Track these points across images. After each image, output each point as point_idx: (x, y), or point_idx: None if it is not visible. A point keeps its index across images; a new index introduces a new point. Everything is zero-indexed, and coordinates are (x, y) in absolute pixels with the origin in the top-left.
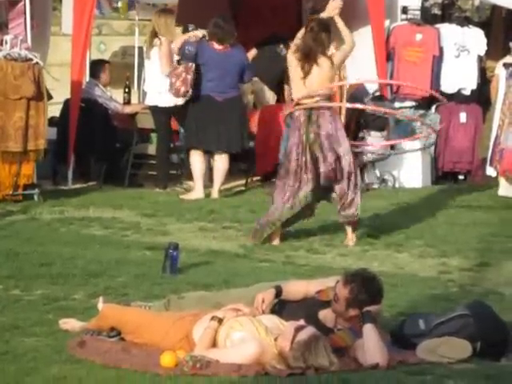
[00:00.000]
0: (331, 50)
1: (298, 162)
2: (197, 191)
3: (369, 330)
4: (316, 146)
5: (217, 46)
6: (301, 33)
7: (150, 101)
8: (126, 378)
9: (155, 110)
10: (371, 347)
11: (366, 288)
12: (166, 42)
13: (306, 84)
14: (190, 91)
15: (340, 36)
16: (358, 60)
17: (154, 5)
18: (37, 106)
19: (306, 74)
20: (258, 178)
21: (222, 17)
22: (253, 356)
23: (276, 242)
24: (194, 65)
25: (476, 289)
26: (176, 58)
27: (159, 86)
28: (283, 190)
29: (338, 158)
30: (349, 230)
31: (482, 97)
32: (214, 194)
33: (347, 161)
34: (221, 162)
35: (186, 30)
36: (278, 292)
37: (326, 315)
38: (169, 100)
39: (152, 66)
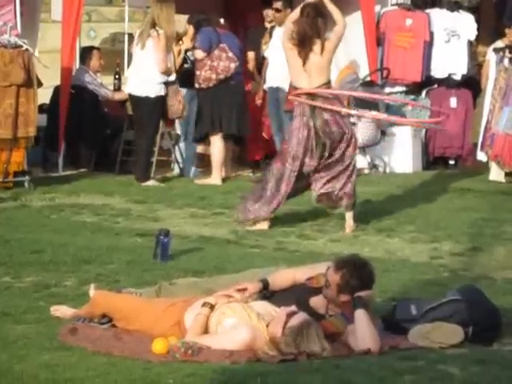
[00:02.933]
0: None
1: (302, 147)
2: (215, 177)
3: (360, 315)
4: (324, 133)
5: (218, 29)
6: (291, 17)
7: (134, 90)
8: (117, 364)
9: (141, 100)
10: (363, 332)
11: (357, 274)
12: (164, 37)
13: (306, 70)
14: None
15: (331, 18)
16: (349, 45)
17: None
18: (27, 92)
19: (304, 60)
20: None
21: (203, 15)
22: (244, 342)
23: (265, 225)
24: (225, 44)
25: (467, 274)
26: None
27: (144, 76)
28: (287, 178)
29: (345, 145)
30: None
31: (472, 82)
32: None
33: (351, 149)
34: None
35: (193, 18)
36: (265, 285)
37: (317, 302)
38: (152, 90)
39: (144, 55)
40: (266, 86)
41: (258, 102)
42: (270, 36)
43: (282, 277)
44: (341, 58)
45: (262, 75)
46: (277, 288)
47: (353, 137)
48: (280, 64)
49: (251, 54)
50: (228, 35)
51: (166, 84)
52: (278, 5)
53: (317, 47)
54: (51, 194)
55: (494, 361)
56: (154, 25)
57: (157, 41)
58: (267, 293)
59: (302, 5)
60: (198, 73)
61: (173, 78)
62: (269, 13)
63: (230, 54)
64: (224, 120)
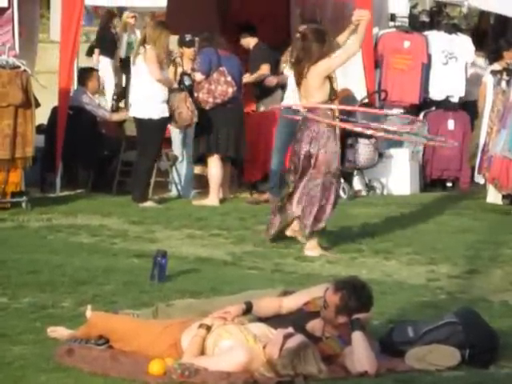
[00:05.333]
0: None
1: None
2: (213, 198)
3: (358, 337)
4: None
5: (220, 52)
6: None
7: (137, 112)
8: None
9: (144, 122)
10: (360, 355)
11: (356, 295)
12: (152, 49)
13: (301, 92)
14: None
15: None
16: (347, 68)
17: (141, 13)
18: (24, 113)
19: (298, 83)
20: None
21: (209, 32)
22: (241, 364)
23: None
24: (225, 68)
25: (464, 296)
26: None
27: (145, 97)
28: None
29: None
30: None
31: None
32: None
33: (314, 172)
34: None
35: (182, 40)
36: (248, 308)
37: (313, 326)
38: (155, 111)
39: (138, 75)
40: (282, 104)
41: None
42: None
43: (268, 303)
44: (338, 80)
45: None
46: (261, 314)
47: (317, 159)
48: None
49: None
50: (229, 58)
51: (173, 91)
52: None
53: (306, 71)
54: (48, 215)
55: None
56: (141, 44)
57: (144, 55)
58: (251, 316)
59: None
60: (195, 94)
61: (169, 83)
62: (245, 42)
63: (229, 79)
64: (221, 142)
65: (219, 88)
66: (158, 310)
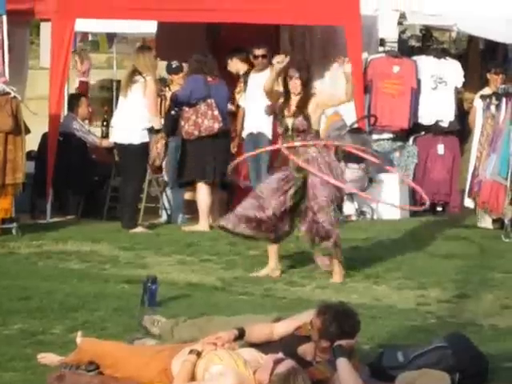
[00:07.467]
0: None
1: None
2: (202, 224)
3: (341, 364)
4: None
5: (209, 78)
6: None
7: (118, 138)
8: None
9: (125, 148)
10: (345, 381)
11: (337, 322)
12: (152, 82)
13: None
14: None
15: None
16: (337, 92)
17: (131, 39)
18: (14, 139)
19: None
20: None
21: (201, 52)
22: None
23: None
24: (213, 100)
25: (455, 320)
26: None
27: (127, 124)
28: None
29: None
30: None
31: (461, 129)
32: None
33: None
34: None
35: (169, 67)
36: (241, 334)
37: (305, 349)
38: (136, 137)
39: (127, 103)
40: (244, 134)
41: (233, 150)
42: (245, 83)
43: (260, 330)
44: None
45: (237, 124)
46: (253, 339)
47: None
48: (258, 110)
49: None
50: (218, 85)
51: (150, 132)
52: (261, 51)
53: None
54: (39, 241)
55: None
56: (135, 72)
57: (144, 86)
58: (243, 341)
59: None
60: (182, 123)
61: (159, 125)
62: (233, 66)
63: (216, 113)
64: (208, 168)
65: (205, 123)
66: (178, 322)
